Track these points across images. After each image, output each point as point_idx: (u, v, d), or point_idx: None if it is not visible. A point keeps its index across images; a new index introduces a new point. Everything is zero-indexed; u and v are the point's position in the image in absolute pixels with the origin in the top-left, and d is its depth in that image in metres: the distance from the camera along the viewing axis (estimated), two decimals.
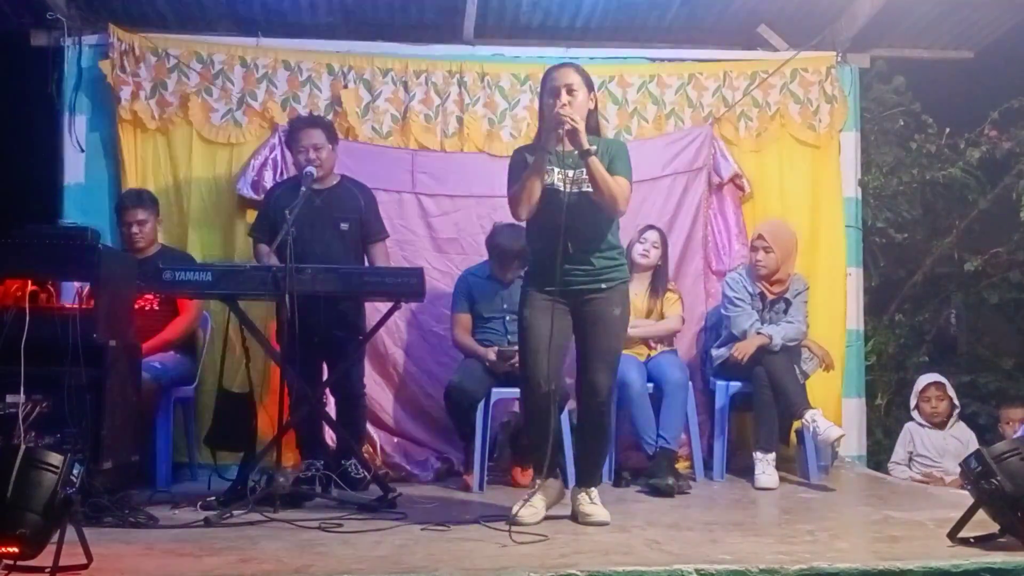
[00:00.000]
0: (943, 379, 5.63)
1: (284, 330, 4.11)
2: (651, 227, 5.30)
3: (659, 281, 5.25)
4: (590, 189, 3.74)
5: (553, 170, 3.77)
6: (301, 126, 4.80)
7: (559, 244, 3.70)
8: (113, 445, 3.89)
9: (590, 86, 3.84)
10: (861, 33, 5.75)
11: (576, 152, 3.72)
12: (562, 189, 3.75)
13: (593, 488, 3.89)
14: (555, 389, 3.79)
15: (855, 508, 4.61)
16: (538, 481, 3.82)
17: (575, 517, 3.83)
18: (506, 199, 3.90)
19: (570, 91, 3.75)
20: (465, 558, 3.14)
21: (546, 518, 3.79)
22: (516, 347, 4.20)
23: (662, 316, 5.25)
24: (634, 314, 5.17)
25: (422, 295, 4.26)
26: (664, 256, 5.27)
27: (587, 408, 3.87)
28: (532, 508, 3.75)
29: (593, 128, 3.87)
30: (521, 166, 3.83)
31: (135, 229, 4.95)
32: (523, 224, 3.99)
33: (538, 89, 4.01)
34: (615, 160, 3.82)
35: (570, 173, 3.75)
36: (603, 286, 3.82)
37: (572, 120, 3.66)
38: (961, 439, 5.54)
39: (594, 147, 3.71)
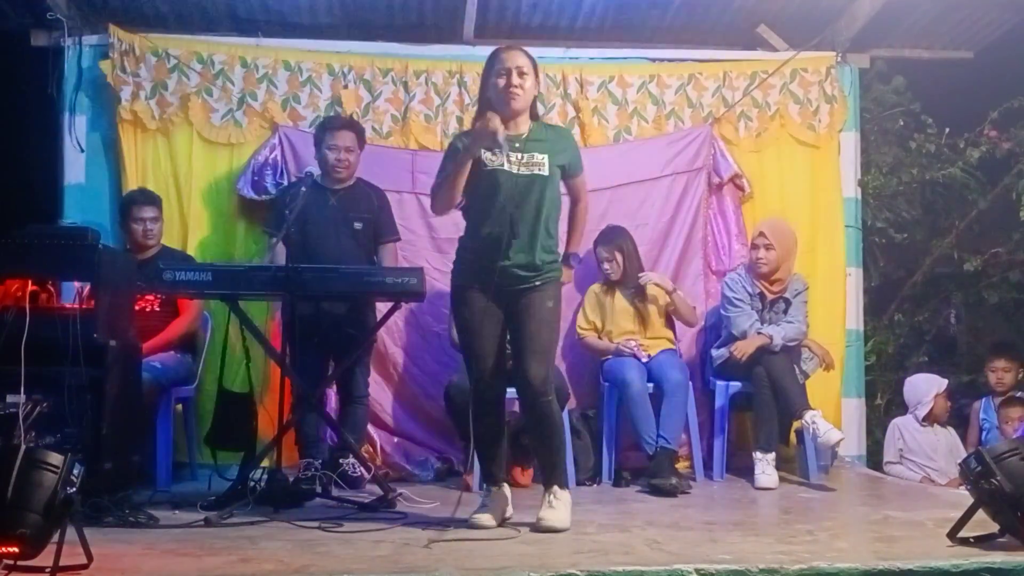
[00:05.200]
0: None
1: (289, 329, 4.12)
2: (601, 239, 5.20)
3: (630, 279, 5.17)
4: (542, 172, 3.64)
5: (501, 152, 3.62)
6: (338, 126, 4.89)
7: (506, 230, 3.58)
8: (113, 445, 3.89)
9: (537, 73, 3.73)
10: (861, 33, 5.75)
11: (522, 136, 3.65)
12: (512, 171, 3.62)
13: (555, 487, 3.68)
14: (502, 391, 3.74)
15: (855, 508, 4.61)
16: (492, 489, 3.77)
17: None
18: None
19: (521, 74, 3.63)
20: (465, 558, 3.15)
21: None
22: None
23: (659, 316, 5.22)
24: (627, 321, 5.19)
25: (422, 295, 4.27)
26: (626, 258, 5.16)
27: (524, 401, 3.70)
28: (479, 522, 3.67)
29: (533, 113, 3.78)
30: (454, 154, 3.70)
31: (149, 226, 4.98)
32: None
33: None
34: (573, 163, 3.78)
35: (519, 156, 3.63)
36: (537, 283, 3.67)
37: (495, 127, 3.56)
38: (952, 436, 5.55)
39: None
